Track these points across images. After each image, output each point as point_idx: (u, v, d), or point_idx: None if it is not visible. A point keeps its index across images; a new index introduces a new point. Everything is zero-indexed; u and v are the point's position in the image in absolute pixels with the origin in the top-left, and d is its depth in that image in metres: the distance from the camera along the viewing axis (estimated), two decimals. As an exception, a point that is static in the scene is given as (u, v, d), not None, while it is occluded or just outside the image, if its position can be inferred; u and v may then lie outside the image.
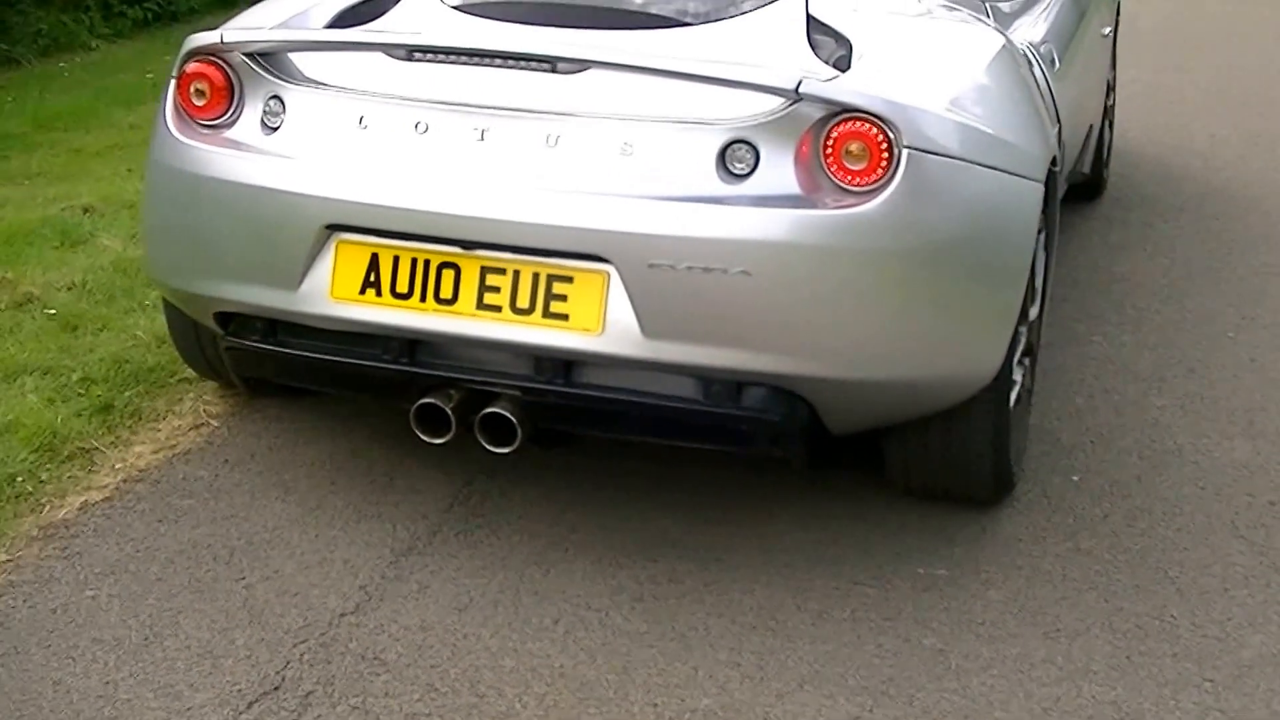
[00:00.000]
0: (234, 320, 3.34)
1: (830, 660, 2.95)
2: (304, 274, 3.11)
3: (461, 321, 3.02)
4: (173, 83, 3.33)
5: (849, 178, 2.87)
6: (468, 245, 2.99)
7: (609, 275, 2.91)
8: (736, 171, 2.91)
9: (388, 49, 3.12)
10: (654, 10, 3.36)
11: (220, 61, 3.25)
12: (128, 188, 5.64)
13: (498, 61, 3.00)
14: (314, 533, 3.33)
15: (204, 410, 3.90)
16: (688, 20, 3.32)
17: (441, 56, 3.04)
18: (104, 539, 3.29)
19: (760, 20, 3.32)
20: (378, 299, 3.07)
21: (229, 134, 3.24)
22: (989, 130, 3.08)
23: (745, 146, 2.90)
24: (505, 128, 2.99)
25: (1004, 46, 3.46)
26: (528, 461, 3.57)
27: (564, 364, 3.02)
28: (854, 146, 2.86)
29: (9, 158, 6.36)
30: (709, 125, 2.92)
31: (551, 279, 2.95)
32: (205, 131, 3.27)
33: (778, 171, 2.90)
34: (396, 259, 3.04)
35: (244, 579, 3.15)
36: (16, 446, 3.59)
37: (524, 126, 2.98)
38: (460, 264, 3.00)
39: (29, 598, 3.08)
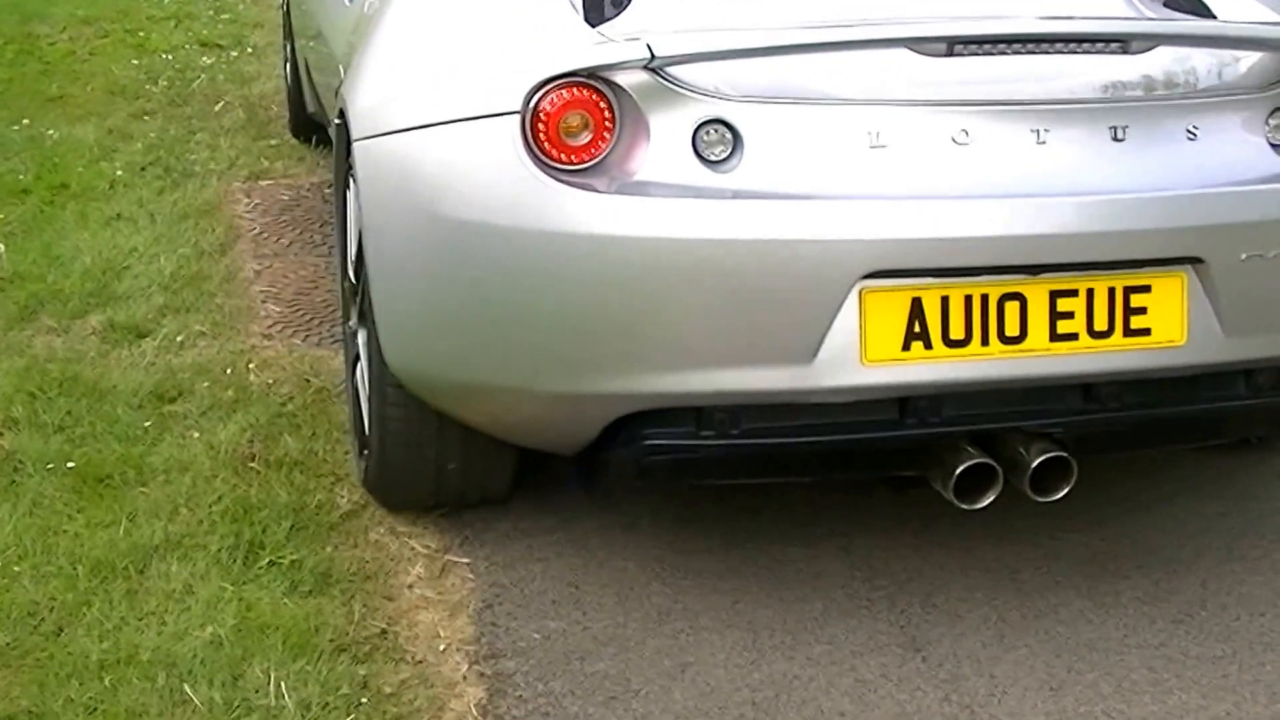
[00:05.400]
0: (636, 420, 2.57)
1: None
2: (821, 340, 2.46)
3: (1033, 360, 2.53)
4: (514, 119, 2.44)
5: None
6: (1035, 270, 2.51)
7: (1187, 276, 2.58)
8: (1275, 141, 2.68)
9: (918, 44, 2.48)
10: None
11: (597, 84, 2.45)
12: None
13: (1058, 47, 2.51)
14: (800, 655, 2.66)
15: (419, 547, 2.95)
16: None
17: (990, 48, 2.47)
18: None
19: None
20: (926, 352, 2.49)
21: (641, 176, 2.45)
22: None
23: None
24: (1067, 125, 2.52)
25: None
26: (853, 510, 3.11)
27: (1121, 385, 2.65)
28: None
29: None
30: (1254, 96, 2.65)
31: (1128, 291, 2.55)
32: (579, 179, 2.45)
33: None
34: (945, 300, 2.48)
35: (834, 734, 2.49)
36: (297, 662, 2.52)
37: (1087, 121, 2.53)
38: (1025, 292, 2.51)
39: None
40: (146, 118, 5.84)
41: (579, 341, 2.49)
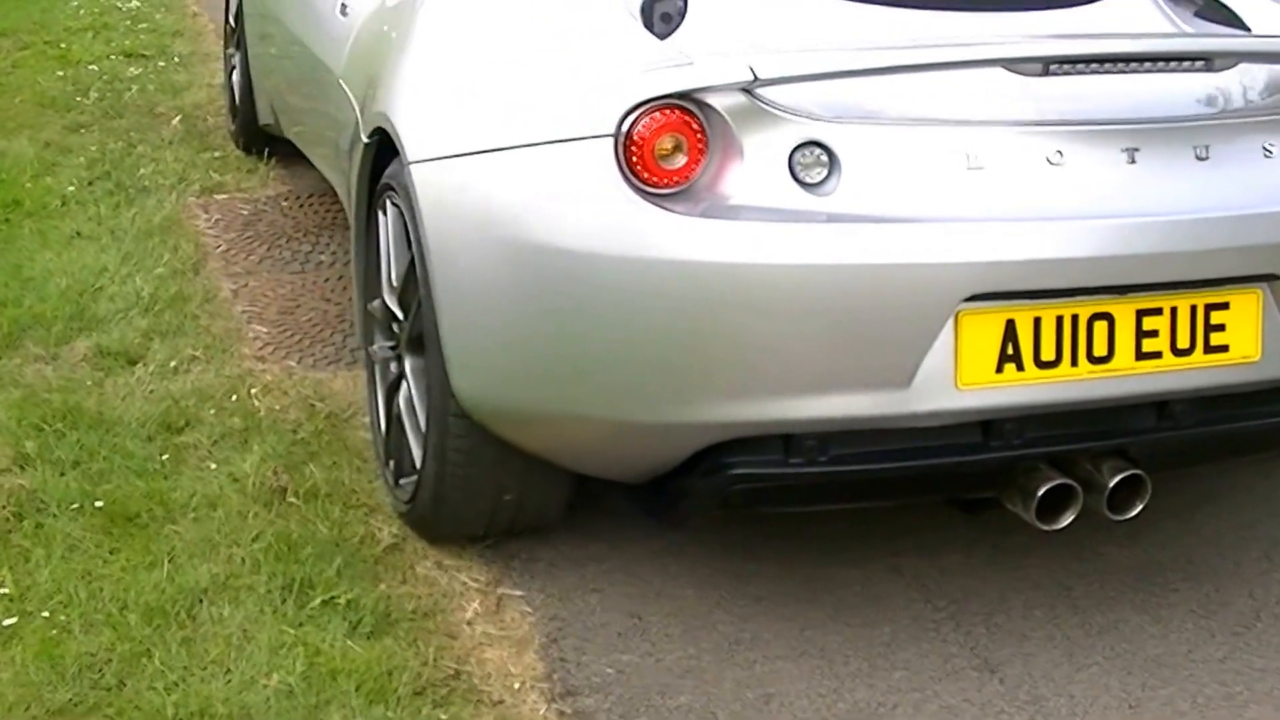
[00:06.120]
0: (720, 448, 2.51)
1: None
2: (919, 364, 2.42)
3: (1119, 380, 2.52)
4: (607, 142, 2.37)
5: None
6: (1123, 290, 2.50)
7: (1263, 293, 2.59)
8: None
9: (1013, 64, 2.44)
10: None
11: (688, 105, 2.38)
12: None
13: (1147, 66, 2.50)
14: (880, 683, 2.63)
15: (469, 581, 2.86)
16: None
17: (1083, 67, 2.44)
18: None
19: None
20: (1019, 374, 2.47)
21: (737, 200, 2.40)
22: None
23: None
24: (1155, 144, 2.51)
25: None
26: (896, 527, 3.08)
27: (1195, 401, 2.65)
28: None
29: None
30: (1315, 113, 2.68)
31: (1209, 309, 2.56)
32: (673, 203, 2.39)
33: None
34: (1037, 321, 2.46)
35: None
36: (375, 708, 2.42)
37: (1174, 140, 2.53)
38: (1113, 312, 2.50)
39: None
40: (82, 131, 5.61)
41: (672, 370, 2.43)
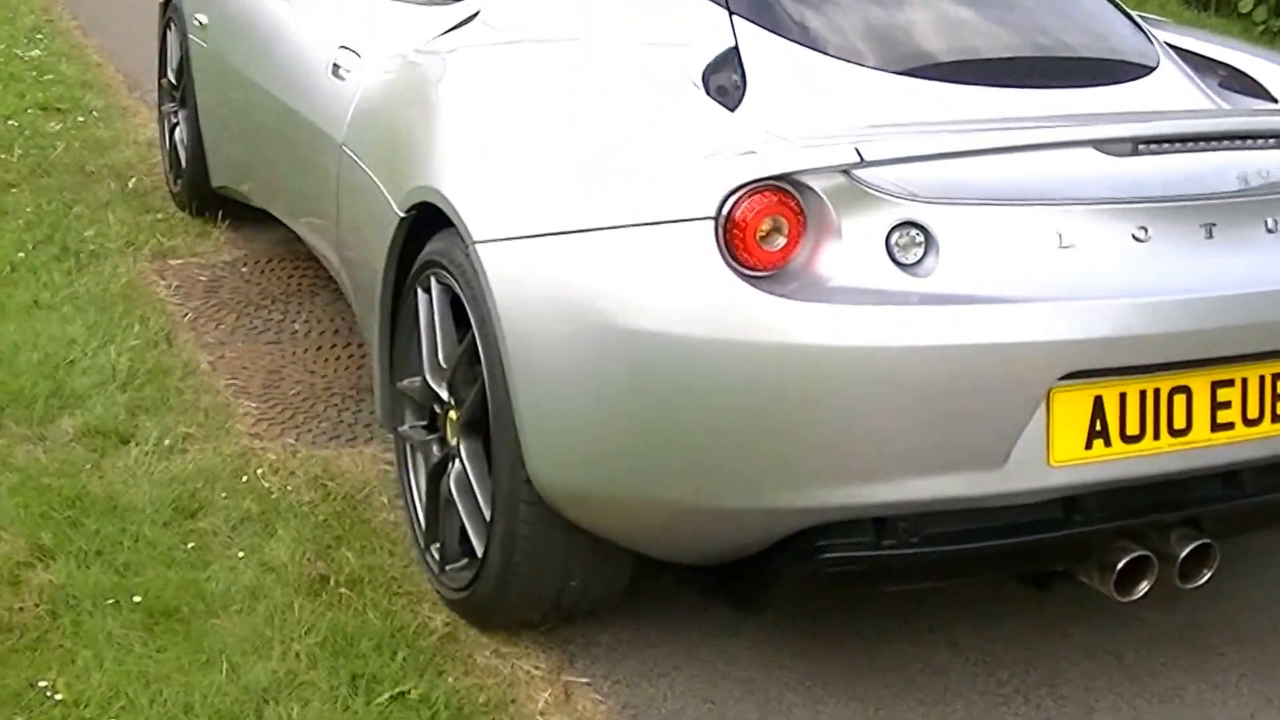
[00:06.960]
0: (810, 531, 2.48)
1: None
2: (1013, 444, 2.41)
3: (1195, 452, 2.55)
4: (708, 225, 2.34)
5: None
6: (1202, 363, 2.52)
7: None
8: None
9: (1104, 144, 2.45)
10: (1106, 56, 3.00)
11: (788, 187, 2.36)
12: None
13: (1224, 143, 2.53)
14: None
15: (532, 669, 2.78)
16: (1133, 70, 3.00)
17: (1167, 146, 2.47)
18: None
19: (1180, 64, 3.10)
20: (1106, 450, 2.48)
21: (837, 281, 2.37)
22: None
23: None
24: (1231, 218, 2.55)
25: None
26: (940, 599, 3.06)
27: (1261, 469, 2.69)
28: None
29: None
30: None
31: (1275, 379, 2.60)
32: (773, 286, 2.35)
33: None
34: (1123, 396, 2.48)
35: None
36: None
37: (1247, 214, 2.57)
38: (1191, 385, 2.53)
39: None
40: (13, 190, 5.39)
41: (769, 455, 2.38)
